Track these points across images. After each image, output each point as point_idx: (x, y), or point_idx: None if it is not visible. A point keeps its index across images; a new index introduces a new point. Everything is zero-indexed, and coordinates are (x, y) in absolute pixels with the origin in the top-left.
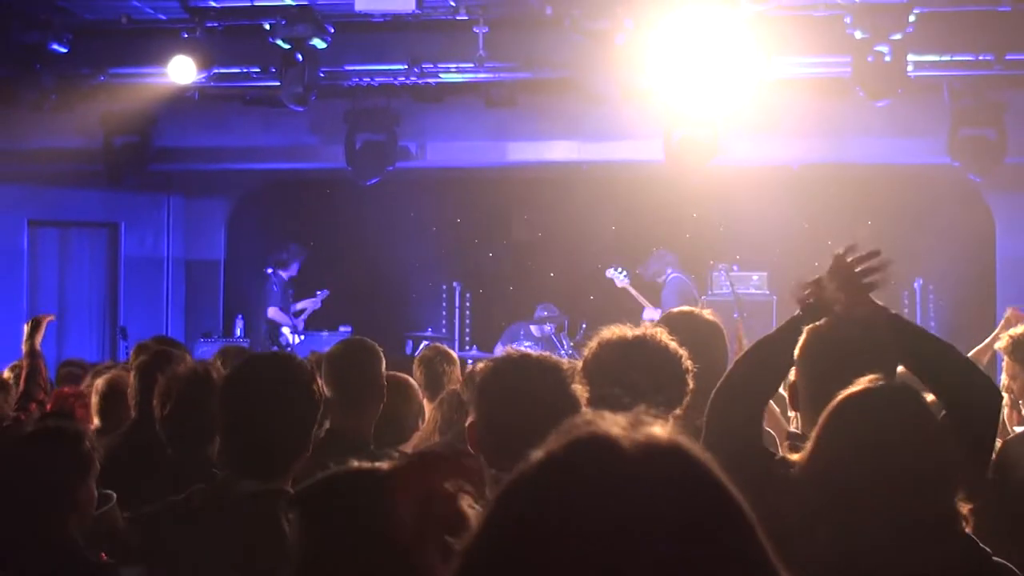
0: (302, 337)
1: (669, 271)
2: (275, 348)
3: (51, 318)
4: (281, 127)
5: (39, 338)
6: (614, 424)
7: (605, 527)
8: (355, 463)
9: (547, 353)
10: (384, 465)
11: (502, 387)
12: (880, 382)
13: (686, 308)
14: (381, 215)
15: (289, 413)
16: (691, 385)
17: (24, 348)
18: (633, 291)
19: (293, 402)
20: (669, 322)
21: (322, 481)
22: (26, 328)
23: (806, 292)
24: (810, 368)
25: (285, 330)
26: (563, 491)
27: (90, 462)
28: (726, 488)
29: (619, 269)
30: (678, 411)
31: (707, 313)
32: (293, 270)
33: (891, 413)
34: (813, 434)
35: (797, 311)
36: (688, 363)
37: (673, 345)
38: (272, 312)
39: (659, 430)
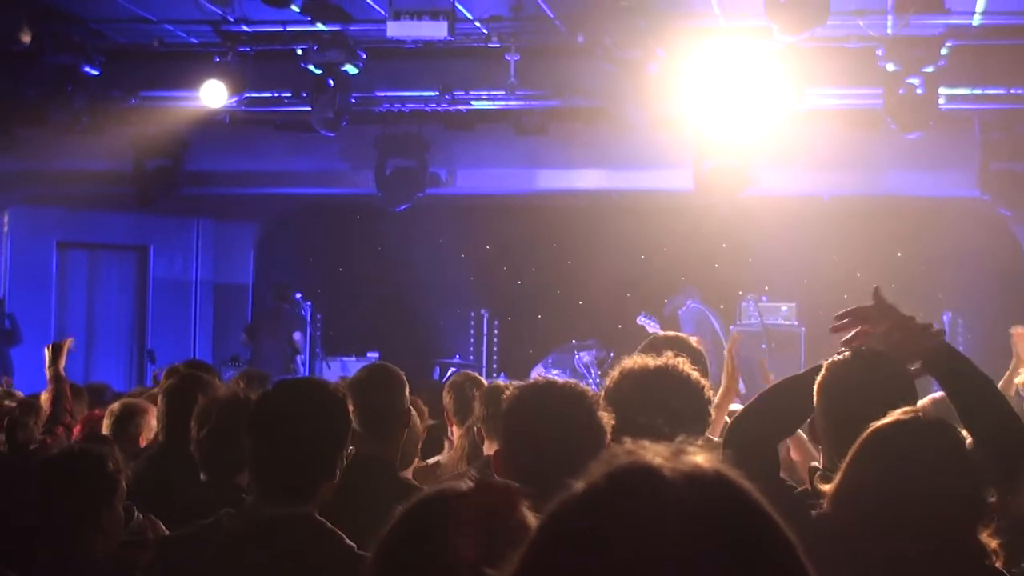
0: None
1: (689, 303)
2: (298, 374)
3: (71, 342)
4: (312, 152)
5: (62, 362)
6: (655, 454)
7: (650, 558)
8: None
9: (573, 381)
10: (458, 488)
11: (528, 414)
12: (912, 414)
13: (671, 333)
14: (410, 241)
15: (318, 439)
16: (713, 415)
17: (48, 373)
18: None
19: (323, 427)
20: (654, 346)
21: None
22: (47, 354)
23: (846, 323)
24: (829, 402)
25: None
26: (607, 522)
27: (114, 485)
28: (773, 518)
29: (649, 316)
30: (700, 441)
31: (694, 341)
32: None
33: (922, 445)
34: (843, 465)
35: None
36: (710, 393)
37: (695, 375)
38: (298, 336)
39: (702, 459)
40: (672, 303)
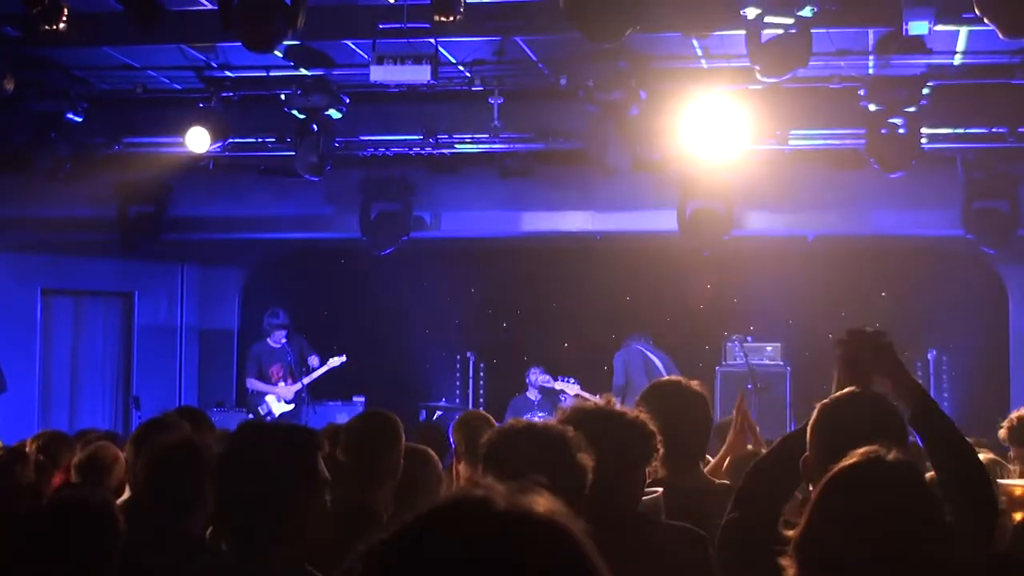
0: (291, 406)
1: (633, 345)
2: (251, 416)
3: None
4: (296, 197)
5: None
6: (495, 491)
7: None
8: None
9: (553, 422)
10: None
11: (509, 457)
12: (872, 455)
13: (675, 378)
14: (395, 285)
15: (273, 481)
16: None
17: None
18: (587, 395)
19: (277, 470)
20: (648, 395)
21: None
22: None
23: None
24: (821, 442)
25: (269, 399)
26: (427, 551)
27: (118, 535)
28: (596, 565)
29: (569, 380)
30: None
31: (696, 384)
32: (276, 339)
33: (882, 488)
34: (806, 511)
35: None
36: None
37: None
38: (249, 383)
39: (543, 500)
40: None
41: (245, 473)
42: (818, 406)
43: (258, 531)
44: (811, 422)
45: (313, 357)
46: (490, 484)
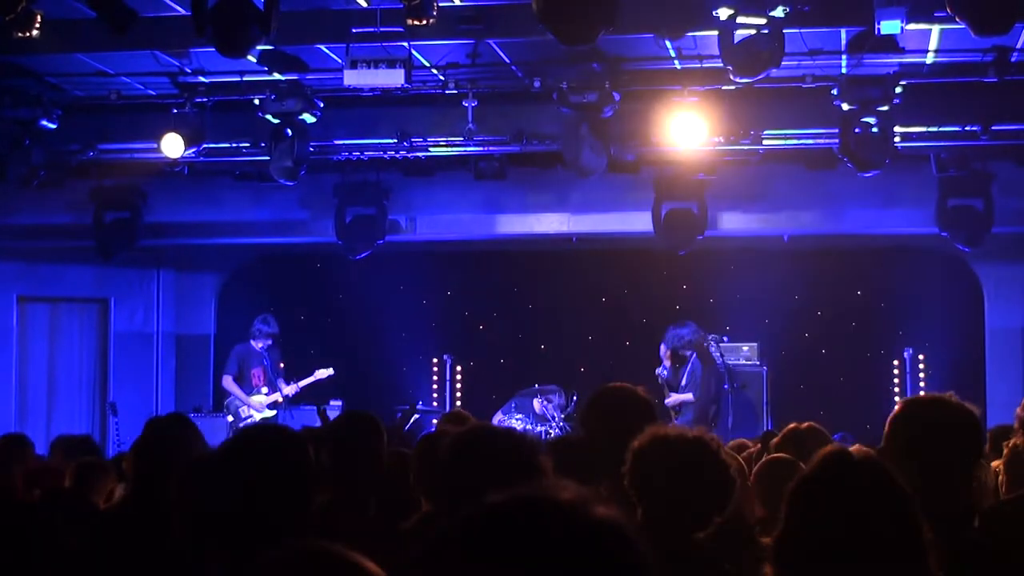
0: (272, 412)
1: (691, 354)
2: (225, 416)
3: None
4: (271, 202)
5: None
6: (567, 492)
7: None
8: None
9: (511, 427)
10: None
11: (469, 459)
12: (836, 454)
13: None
14: (371, 288)
15: (283, 488)
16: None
17: None
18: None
19: (286, 477)
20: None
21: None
22: None
23: None
24: (896, 437)
25: (254, 399)
26: (492, 540)
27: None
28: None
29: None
30: None
31: (640, 390)
32: (261, 344)
33: (846, 485)
34: (782, 513)
35: None
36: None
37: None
38: (225, 381)
39: (610, 508)
40: (682, 341)
41: (259, 476)
42: (900, 402)
43: (275, 532)
44: (891, 416)
45: (281, 383)
46: (554, 485)
